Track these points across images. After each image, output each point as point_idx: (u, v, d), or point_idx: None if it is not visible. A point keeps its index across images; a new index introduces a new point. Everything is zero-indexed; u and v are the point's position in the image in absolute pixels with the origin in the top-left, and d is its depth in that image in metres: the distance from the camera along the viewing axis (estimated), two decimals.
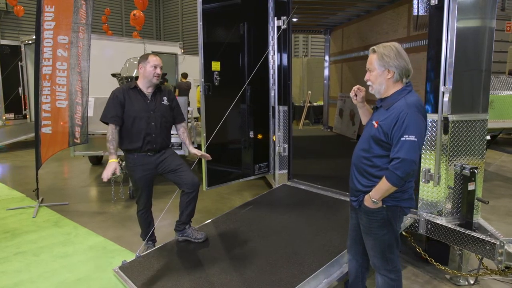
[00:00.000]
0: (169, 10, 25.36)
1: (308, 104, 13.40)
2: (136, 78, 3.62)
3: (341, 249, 3.02)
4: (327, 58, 10.18)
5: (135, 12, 12.34)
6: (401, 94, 2.23)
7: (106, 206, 5.38)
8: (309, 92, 13.79)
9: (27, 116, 10.82)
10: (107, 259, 3.70)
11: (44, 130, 5.03)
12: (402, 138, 2.11)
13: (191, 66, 12.34)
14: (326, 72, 10.25)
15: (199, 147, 6.67)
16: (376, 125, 2.26)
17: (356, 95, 2.48)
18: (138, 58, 3.62)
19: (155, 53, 3.56)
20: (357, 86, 2.48)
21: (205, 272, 2.96)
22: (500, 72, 10.85)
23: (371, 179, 2.30)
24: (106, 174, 3.21)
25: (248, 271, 2.91)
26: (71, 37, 4.85)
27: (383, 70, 2.23)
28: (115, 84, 7.58)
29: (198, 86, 11.48)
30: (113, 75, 7.66)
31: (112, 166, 3.24)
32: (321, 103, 12.71)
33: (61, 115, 4.98)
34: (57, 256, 3.77)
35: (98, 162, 8.04)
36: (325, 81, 10.36)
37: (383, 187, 2.20)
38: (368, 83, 2.33)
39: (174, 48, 11.61)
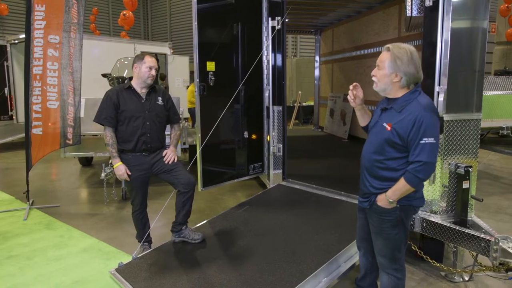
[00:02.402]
0: (157, 10, 25.18)
1: (298, 104, 13.45)
2: (130, 78, 3.60)
3: (340, 248, 3.04)
4: (317, 58, 10.22)
5: (125, 12, 12.19)
6: (412, 95, 2.22)
7: (99, 207, 5.31)
8: (300, 92, 13.84)
9: (14, 117, 10.62)
10: (102, 261, 3.66)
11: (34, 131, 4.95)
12: (422, 141, 2.11)
13: (180, 66, 12.27)
14: (317, 72, 10.29)
15: (192, 148, 6.69)
16: (389, 128, 2.22)
17: (354, 97, 2.42)
18: (129, 58, 3.59)
19: (147, 54, 3.52)
20: (354, 84, 2.41)
21: (203, 273, 2.95)
22: (485, 73, 11.04)
23: (385, 182, 2.27)
24: (123, 178, 3.37)
25: (247, 271, 2.91)
26: (62, 37, 4.78)
27: (391, 73, 2.20)
28: (105, 84, 7.48)
29: (188, 86, 11.42)
30: (104, 75, 7.55)
31: (121, 169, 3.34)
32: (311, 103, 12.77)
33: (52, 116, 4.90)
34: (51, 259, 3.70)
35: (88, 163, 7.94)
36: (315, 82, 10.39)
37: (402, 188, 2.19)
38: (374, 79, 2.30)
39: (164, 48, 11.50)
